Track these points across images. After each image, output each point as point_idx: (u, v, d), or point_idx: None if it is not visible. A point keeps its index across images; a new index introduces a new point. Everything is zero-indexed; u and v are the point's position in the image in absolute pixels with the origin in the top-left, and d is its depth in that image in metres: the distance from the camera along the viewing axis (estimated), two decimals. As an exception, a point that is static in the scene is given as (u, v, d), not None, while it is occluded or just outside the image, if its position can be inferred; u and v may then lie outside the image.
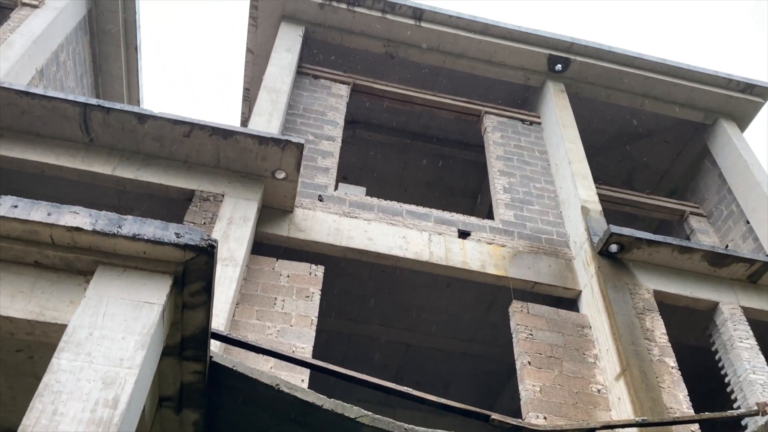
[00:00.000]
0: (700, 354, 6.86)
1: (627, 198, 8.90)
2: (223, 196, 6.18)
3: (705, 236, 8.80)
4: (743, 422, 5.54)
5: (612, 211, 8.62)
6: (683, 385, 5.64)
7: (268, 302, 5.95)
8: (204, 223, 5.91)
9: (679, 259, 6.57)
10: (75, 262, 2.82)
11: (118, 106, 6.02)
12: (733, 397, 5.99)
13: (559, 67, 9.22)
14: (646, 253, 6.56)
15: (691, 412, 5.49)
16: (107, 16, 9.16)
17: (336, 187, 7.46)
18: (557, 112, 8.67)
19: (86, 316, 2.63)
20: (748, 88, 9.38)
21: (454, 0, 14.18)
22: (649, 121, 9.80)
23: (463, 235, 6.99)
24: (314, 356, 5.46)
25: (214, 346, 4.56)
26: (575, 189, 7.50)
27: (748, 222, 8.35)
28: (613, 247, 6.53)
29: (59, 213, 2.77)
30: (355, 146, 10.04)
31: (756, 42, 41.96)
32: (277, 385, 3.68)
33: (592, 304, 6.36)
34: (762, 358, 6.02)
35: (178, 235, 2.85)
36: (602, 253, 6.57)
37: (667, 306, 6.46)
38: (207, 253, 2.89)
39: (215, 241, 2.92)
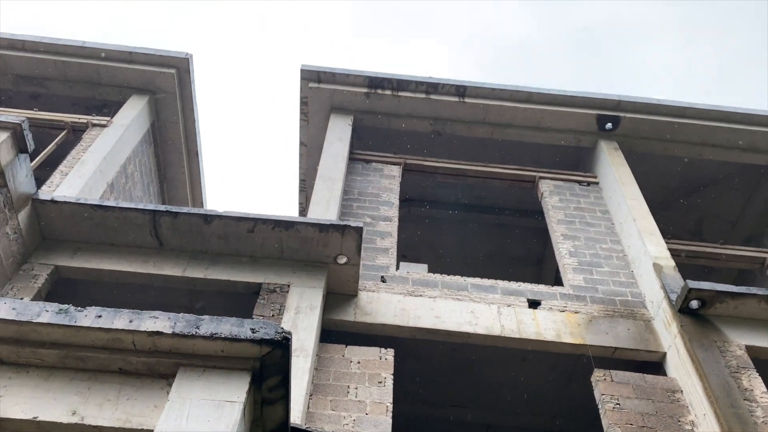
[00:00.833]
0: (809, 412, 6.31)
1: (700, 250, 8.54)
2: (288, 286, 6.26)
3: (792, 283, 8.29)
4: None
5: (686, 265, 8.25)
6: (797, 449, 5.16)
7: (341, 391, 5.86)
8: (273, 315, 5.97)
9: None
10: (157, 366, 2.88)
11: (184, 209, 6.29)
12: None
13: (609, 125, 9.17)
14: (731, 307, 6.21)
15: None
16: (169, 127, 9.74)
17: (397, 267, 7.46)
18: (614, 170, 8.55)
19: (171, 419, 2.65)
20: (812, 124, 9.05)
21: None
22: (711, 169, 9.53)
23: (534, 304, 6.80)
24: (393, 444, 5.29)
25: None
26: (644, 246, 7.26)
27: (837, 263, 7.83)
28: (694, 304, 6.21)
29: (140, 319, 2.86)
30: (411, 224, 10.10)
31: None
32: (361, 478, 3.57)
33: (680, 366, 5.99)
34: None
35: (253, 330, 2.88)
36: (683, 310, 6.25)
37: (764, 362, 6.02)
38: (282, 346, 2.90)
39: (289, 333, 2.94)
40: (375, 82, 9.18)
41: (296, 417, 5.05)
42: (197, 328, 2.83)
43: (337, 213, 7.65)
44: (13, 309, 2.85)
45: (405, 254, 10.41)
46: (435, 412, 7.65)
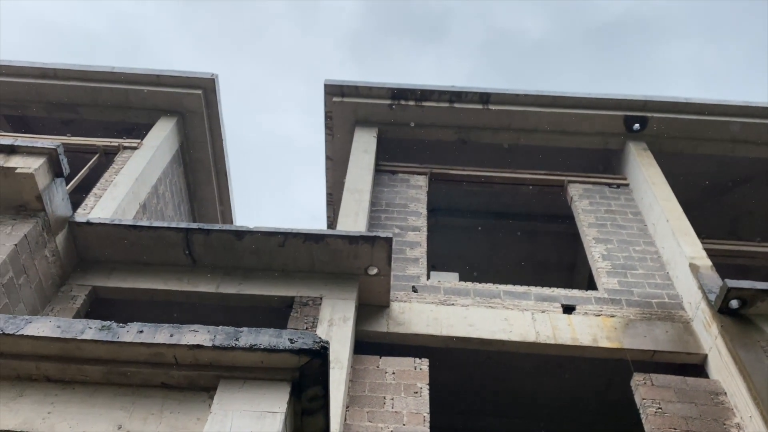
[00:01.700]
0: None
1: (736, 249, 8.36)
2: (321, 299, 6.28)
3: (835, 279, 8.05)
4: None
5: (722, 265, 8.08)
6: None
7: (378, 402, 5.84)
8: (306, 328, 5.99)
9: (811, 308, 6.01)
10: (198, 379, 2.91)
11: (216, 226, 6.37)
12: None
13: (637, 126, 9.06)
14: (773, 305, 6.05)
15: None
16: (197, 147, 9.91)
17: (428, 277, 7.44)
18: (644, 171, 8.43)
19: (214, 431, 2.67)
20: None
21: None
22: (744, 166, 9.34)
23: (568, 309, 6.72)
24: (432, 454, 5.25)
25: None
26: (679, 247, 7.13)
27: None
28: (734, 303, 6.06)
29: (180, 333, 2.90)
30: (439, 234, 10.07)
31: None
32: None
33: (723, 368, 5.85)
34: None
35: (291, 341, 2.90)
36: (722, 310, 6.11)
37: (810, 361, 5.84)
38: (320, 356, 2.91)
39: (327, 342, 2.95)
40: (398, 94, 9.23)
41: (334, 429, 5.05)
42: (236, 340, 2.86)
43: (366, 224, 7.67)
44: (58, 327, 2.91)
45: (434, 265, 10.36)
46: (471, 422, 7.57)
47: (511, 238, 10.21)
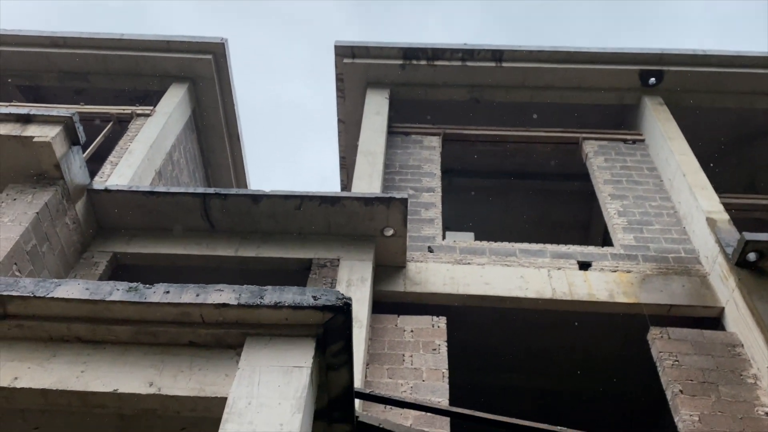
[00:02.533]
0: None
1: (754, 203, 8.29)
2: (338, 260, 6.34)
3: None
4: None
5: (740, 219, 8.02)
6: None
7: (397, 359, 5.95)
8: (325, 290, 6.06)
9: (830, 259, 5.98)
10: (225, 337, 2.98)
11: (233, 191, 6.42)
12: None
13: (652, 80, 8.92)
14: (791, 258, 6.03)
15: None
16: (209, 113, 9.89)
17: (444, 237, 7.47)
18: (660, 125, 8.33)
19: (242, 386, 2.75)
20: None
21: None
22: (763, 119, 9.19)
23: (584, 266, 6.74)
24: (451, 409, 5.34)
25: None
26: (696, 201, 7.09)
27: None
28: (752, 256, 6.05)
29: (206, 293, 2.96)
30: (453, 195, 10.05)
31: None
32: (425, 439, 3.64)
33: (740, 320, 5.88)
34: None
35: (315, 297, 2.95)
36: (740, 263, 6.10)
37: (828, 312, 5.84)
38: (344, 312, 2.96)
39: (350, 299, 3.00)
40: (409, 53, 9.12)
41: (356, 385, 5.15)
42: (261, 298, 2.92)
43: (380, 187, 7.69)
44: (87, 289, 2.98)
45: (449, 226, 10.39)
46: (488, 378, 7.69)
47: (526, 199, 10.18)
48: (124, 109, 8.78)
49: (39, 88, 9.75)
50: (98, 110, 8.80)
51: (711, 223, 6.74)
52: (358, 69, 9.26)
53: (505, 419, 3.49)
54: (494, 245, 7.09)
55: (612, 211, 7.57)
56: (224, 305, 2.91)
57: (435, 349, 5.98)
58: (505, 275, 6.67)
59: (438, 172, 8.32)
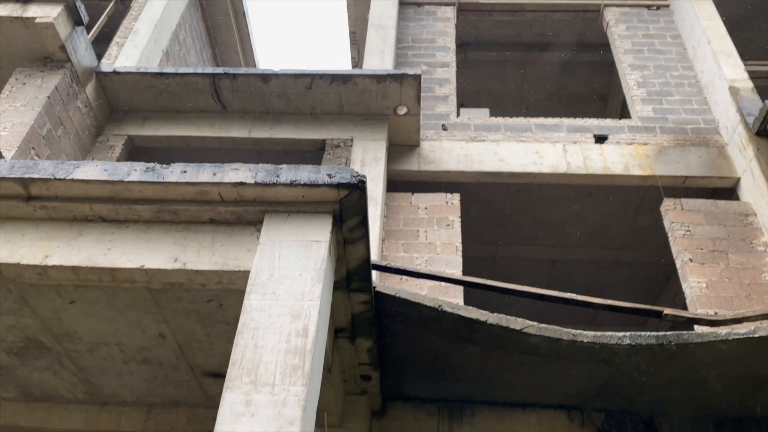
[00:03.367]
0: None
1: (781, 70, 7.98)
2: (352, 140, 6.33)
3: None
4: None
5: (765, 87, 7.78)
6: None
7: (412, 235, 6.09)
8: (339, 168, 6.10)
9: None
10: (244, 214, 3.05)
11: (242, 70, 6.29)
12: None
13: (681, -61, 8.29)
14: (813, 126, 5.90)
15: None
16: (212, -12, 9.49)
17: (458, 114, 7.37)
18: (687, -12, 7.87)
19: (264, 260, 2.85)
20: None
21: None
22: (797, -22, 8.62)
23: (600, 139, 6.67)
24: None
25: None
26: (719, 69, 6.84)
27: None
28: (773, 125, 5.93)
29: (223, 172, 3.00)
30: (468, 70, 9.78)
31: None
32: (440, 306, 3.81)
33: (755, 190, 5.87)
34: None
35: (330, 176, 2.98)
36: (760, 133, 6.00)
37: None
38: (359, 189, 3.00)
39: (364, 176, 3.03)
40: None
41: (373, 259, 5.33)
42: (277, 176, 2.95)
43: (392, 63, 7.48)
44: (105, 170, 3.03)
45: (463, 103, 10.20)
46: (501, 251, 7.89)
47: (543, 71, 9.88)
48: (124, -14, 8.42)
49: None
50: (98, -12, 8.45)
51: (733, 91, 6.55)
52: (367, -66, 8.69)
53: (516, 287, 3.62)
54: (509, 121, 7.00)
55: (631, 82, 7.35)
56: (241, 183, 2.96)
57: (449, 225, 6.10)
58: (519, 151, 6.64)
59: (452, 46, 8.04)
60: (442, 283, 5.48)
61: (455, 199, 6.26)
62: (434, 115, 7.17)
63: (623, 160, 6.43)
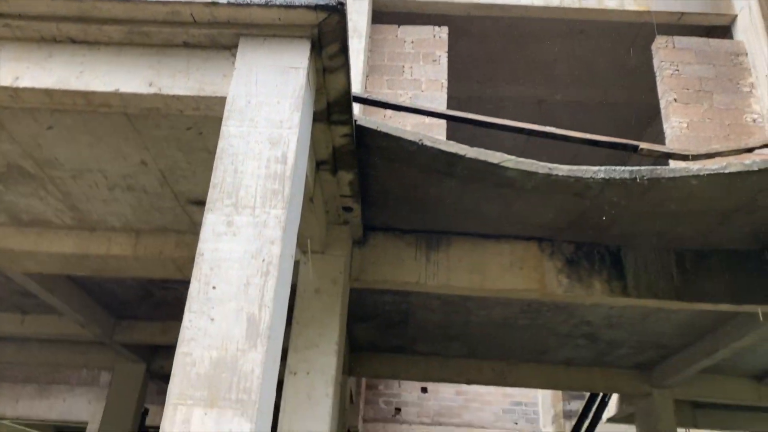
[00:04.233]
0: None
1: None
2: (335, -36, 5.93)
3: None
4: None
5: None
6: None
7: (397, 71, 5.96)
8: (322, -3, 5.79)
9: None
10: (218, 37, 2.93)
11: None
12: None
13: None
14: (822, -41, 5.60)
15: None
16: None
17: (450, -62, 6.86)
18: None
19: (241, 85, 2.80)
20: None
21: None
22: None
23: (597, -30, 6.32)
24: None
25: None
26: None
27: None
28: (780, -42, 5.62)
29: (193, -11, 2.83)
30: None
31: None
32: (420, 140, 3.83)
33: (750, 28, 5.71)
34: None
35: (307, -4, 2.83)
36: (765, -34, 5.70)
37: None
38: (338, 12, 2.87)
39: (344, -2, 2.88)
40: None
41: (356, 92, 5.25)
42: (251, -5, 2.80)
43: None
44: (69, -13, 2.84)
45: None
46: (487, 90, 7.80)
47: None
48: None
49: None
50: None
51: None
52: None
53: (496, 120, 3.63)
54: (504, -53, 6.55)
55: None
56: (214, 3, 2.81)
57: (435, 60, 5.95)
58: (512, -19, 6.30)
59: None
60: (426, 121, 5.47)
61: (443, 32, 6.05)
62: (424, -61, 6.68)
63: (619, -7, 6.16)
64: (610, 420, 9.22)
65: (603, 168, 3.52)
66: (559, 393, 10.43)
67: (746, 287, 4.63)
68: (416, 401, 11.69)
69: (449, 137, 5.56)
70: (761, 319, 4.70)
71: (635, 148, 3.42)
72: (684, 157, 3.50)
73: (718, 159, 3.90)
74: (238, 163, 2.61)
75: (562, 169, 3.60)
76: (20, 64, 2.92)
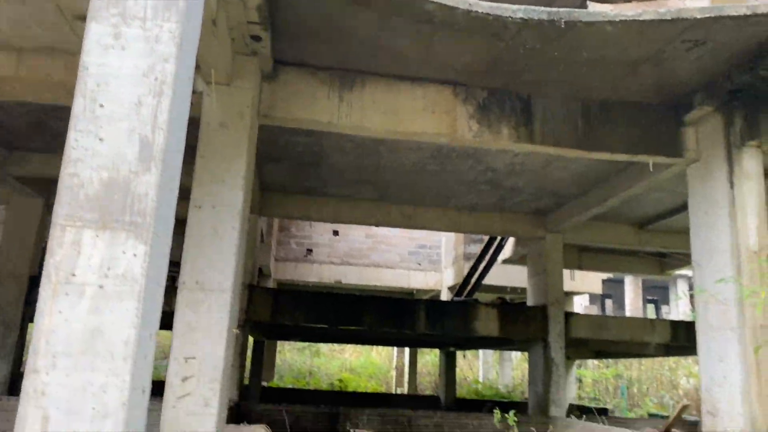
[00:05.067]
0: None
1: None
2: None
3: None
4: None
5: None
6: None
7: None
8: None
9: None
10: None
11: None
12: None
13: None
14: None
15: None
16: None
17: None
18: None
19: None
20: None
21: None
22: None
23: None
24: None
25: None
26: None
27: None
28: None
29: None
30: None
31: None
32: (337, -37, 3.54)
33: None
34: None
35: None
36: None
37: None
38: None
39: None
40: None
41: None
42: None
43: None
44: None
45: None
46: None
47: None
48: None
49: None
50: None
51: None
52: None
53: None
54: None
55: None
56: None
57: None
58: None
59: None
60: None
61: None
62: None
63: None
64: (506, 261, 9.95)
65: (522, 7, 3.42)
66: (461, 236, 11.05)
67: (642, 139, 4.87)
68: (327, 243, 12.08)
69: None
70: (651, 169, 5.01)
71: (556, -13, 3.32)
72: (602, 0, 3.45)
73: (635, 4, 3.88)
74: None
75: (483, 6, 3.47)
76: None
